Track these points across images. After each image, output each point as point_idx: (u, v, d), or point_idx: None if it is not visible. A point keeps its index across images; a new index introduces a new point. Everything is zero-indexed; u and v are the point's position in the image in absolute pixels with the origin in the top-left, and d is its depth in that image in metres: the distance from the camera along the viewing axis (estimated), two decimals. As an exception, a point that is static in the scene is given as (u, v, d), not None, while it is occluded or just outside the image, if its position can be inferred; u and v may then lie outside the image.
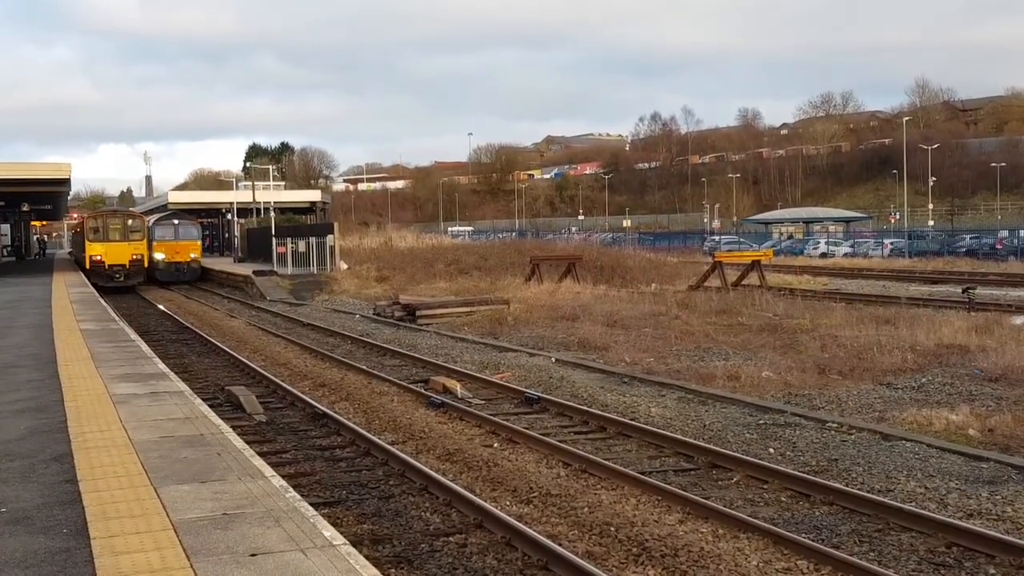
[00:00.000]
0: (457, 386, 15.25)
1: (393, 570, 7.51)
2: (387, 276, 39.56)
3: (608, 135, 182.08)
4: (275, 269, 41.59)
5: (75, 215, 78.69)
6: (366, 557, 5.64)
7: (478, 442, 12.00)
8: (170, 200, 67.57)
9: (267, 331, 25.22)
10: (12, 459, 7.55)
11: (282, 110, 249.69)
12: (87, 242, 42.82)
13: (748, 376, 15.51)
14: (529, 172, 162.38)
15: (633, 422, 12.61)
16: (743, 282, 33.37)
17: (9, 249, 65.99)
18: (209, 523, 5.78)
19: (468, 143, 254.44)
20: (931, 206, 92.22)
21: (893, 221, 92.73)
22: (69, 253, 75.03)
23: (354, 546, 5.70)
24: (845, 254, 64.28)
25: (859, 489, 9.46)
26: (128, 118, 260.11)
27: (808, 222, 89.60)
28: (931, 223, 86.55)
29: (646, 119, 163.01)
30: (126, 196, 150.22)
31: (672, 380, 15.65)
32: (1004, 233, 63.92)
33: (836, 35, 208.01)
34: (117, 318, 20.81)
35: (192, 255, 46.78)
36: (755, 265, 34.63)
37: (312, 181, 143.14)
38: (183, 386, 11.36)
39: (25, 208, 54.48)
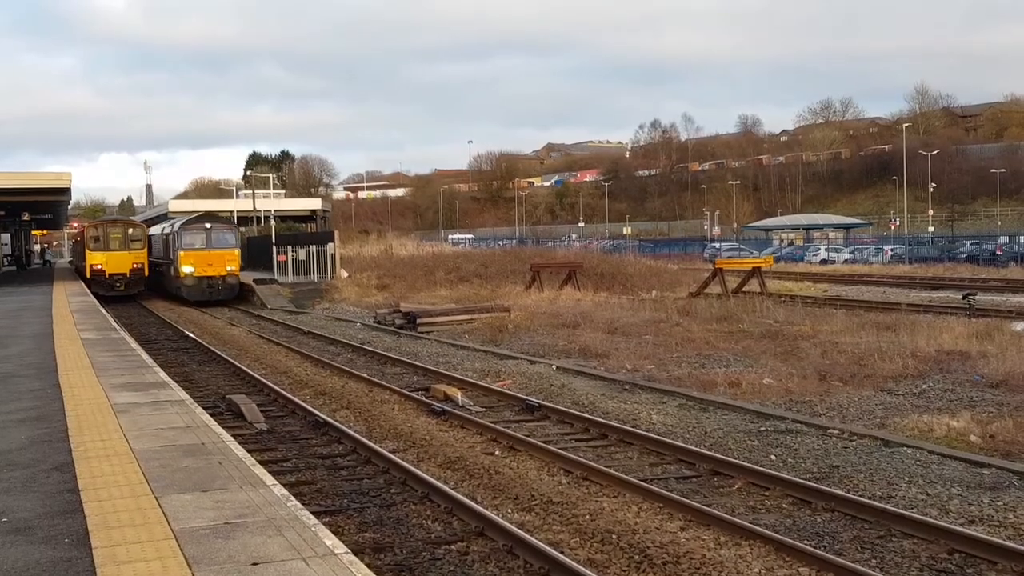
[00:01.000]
0: (458, 394, 15.25)
1: (395, 578, 7.50)
2: (388, 284, 39.58)
3: (608, 142, 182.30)
4: (276, 277, 41.60)
5: (75, 224, 78.78)
6: (368, 566, 5.64)
7: (479, 450, 11.99)
8: (170, 209, 67.50)
9: (268, 339, 25.23)
10: (13, 468, 7.55)
11: (284, 119, 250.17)
12: (88, 251, 42.78)
13: (749, 383, 15.51)
14: (529, 179, 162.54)
15: (634, 429, 12.61)
16: (743, 289, 33.39)
17: (10, 259, 65.98)
18: (211, 532, 5.77)
19: (468, 151, 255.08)
20: (931, 212, 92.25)
21: (893, 227, 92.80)
22: (69, 262, 75.06)
23: (355, 555, 5.69)
24: (845, 260, 64.33)
25: (860, 496, 9.45)
26: (130, 126, 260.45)
27: (808, 229, 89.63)
28: (931, 229, 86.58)
29: (646, 126, 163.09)
30: (126, 205, 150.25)
31: (673, 387, 15.65)
32: (1004, 239, 63.99)
33: (836, 42, 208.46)
34: (118, 327, 20.82)
35: (229, 267, 38.38)
36: (755, 272, 34.64)
37: (312, 189, 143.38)
38: (184, 395, 11.36)
39: (26, 217, 54.48)
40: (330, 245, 43.10)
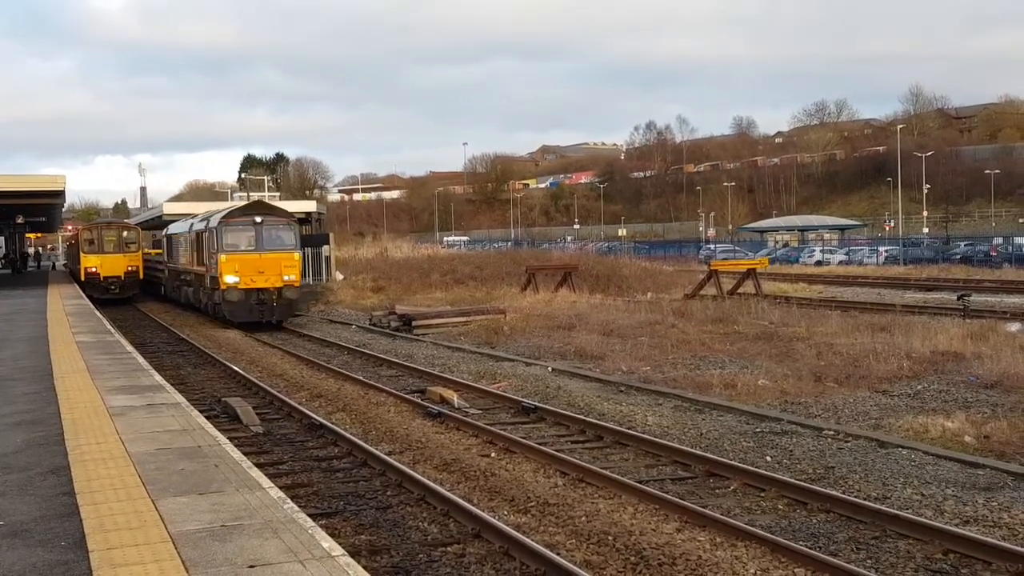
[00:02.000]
0: (454, 396, 15.25)
1: (391, 581, 7.50)
2: (383, 286, 39.58)
3: (603, 144, 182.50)
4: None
5: (70, 227, 78.62)
6: (364, 568, 5.64)
7: (475, 452, 12.00)
8: (165, 211, 67.04)
9: (263, 342, 25.20)
10: (9, 472, 7.53)
11: (280, 122, 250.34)
12: (82, 254, 42.67)
13: (744, 384, 15.54)
14: (524, 182, 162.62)
15: (630, 431, 12.62)
16: (739, 290, 33.44)
17: (3, 261, 65.86)
18: (207, 535, 5.77)
19: (463, 153, 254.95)
20: (926, 213, 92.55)
21: (888, 229, 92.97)
22: (64, 265, 74.91)
23: (352, 557, 5.69)
24: (840, 262, 64.44)
25: (856, 496, 9.48)
26: (126, 129, 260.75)
27: (803, 230, 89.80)
28: (926, 230, 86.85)
29: (641, 128, 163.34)
30: (120, 208, 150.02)
31: (669, 389, 15.67)
32: (998, 240, 64.21)
33: (830, 45, 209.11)
34: (113, 330, 20.76)
35: (287, 276, 28.04)
36: (751, 273, 34.71)
37: (307, 191, 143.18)
38: (180, 398, 11.34)
39: (20, 220, 54.36)
40: (325, 248, 43.04)
